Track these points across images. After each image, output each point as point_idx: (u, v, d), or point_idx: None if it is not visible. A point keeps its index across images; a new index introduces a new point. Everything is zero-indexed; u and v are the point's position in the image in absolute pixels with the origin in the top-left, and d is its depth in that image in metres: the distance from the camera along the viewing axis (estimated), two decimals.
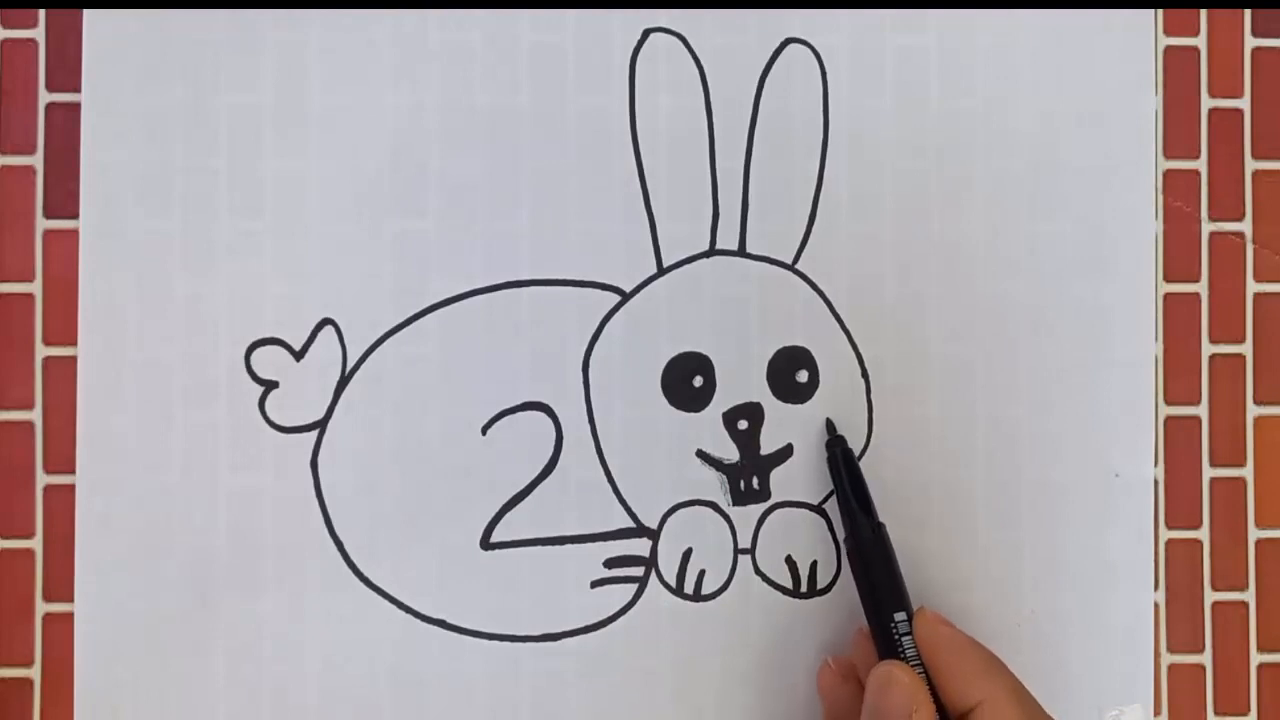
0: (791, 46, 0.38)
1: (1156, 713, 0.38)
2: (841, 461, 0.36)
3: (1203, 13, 0.40)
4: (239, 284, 0.37)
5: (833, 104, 0.38)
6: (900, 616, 0.34)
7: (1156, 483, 0.39)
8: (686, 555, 0.37)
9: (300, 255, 0.37)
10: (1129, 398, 0.39)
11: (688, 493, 0.38)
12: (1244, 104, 0.40)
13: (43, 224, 0.38)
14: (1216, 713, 0.39)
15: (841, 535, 0.37)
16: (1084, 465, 0.38)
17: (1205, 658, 0.39)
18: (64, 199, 0.37)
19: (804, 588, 0.38)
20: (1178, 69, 0.40)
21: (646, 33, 0.38)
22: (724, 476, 0.38)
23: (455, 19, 0.38)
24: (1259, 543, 0.39)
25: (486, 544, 0.37)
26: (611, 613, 0.37)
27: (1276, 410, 0.40)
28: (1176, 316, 0.39)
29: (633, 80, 0.38)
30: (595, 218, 0.38)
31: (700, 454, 0.38)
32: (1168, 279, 0.39)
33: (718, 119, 0.38)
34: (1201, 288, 0.40)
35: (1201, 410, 0.39)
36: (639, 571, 0.37)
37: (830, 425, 0.38)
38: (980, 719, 0.31)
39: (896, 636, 0.34)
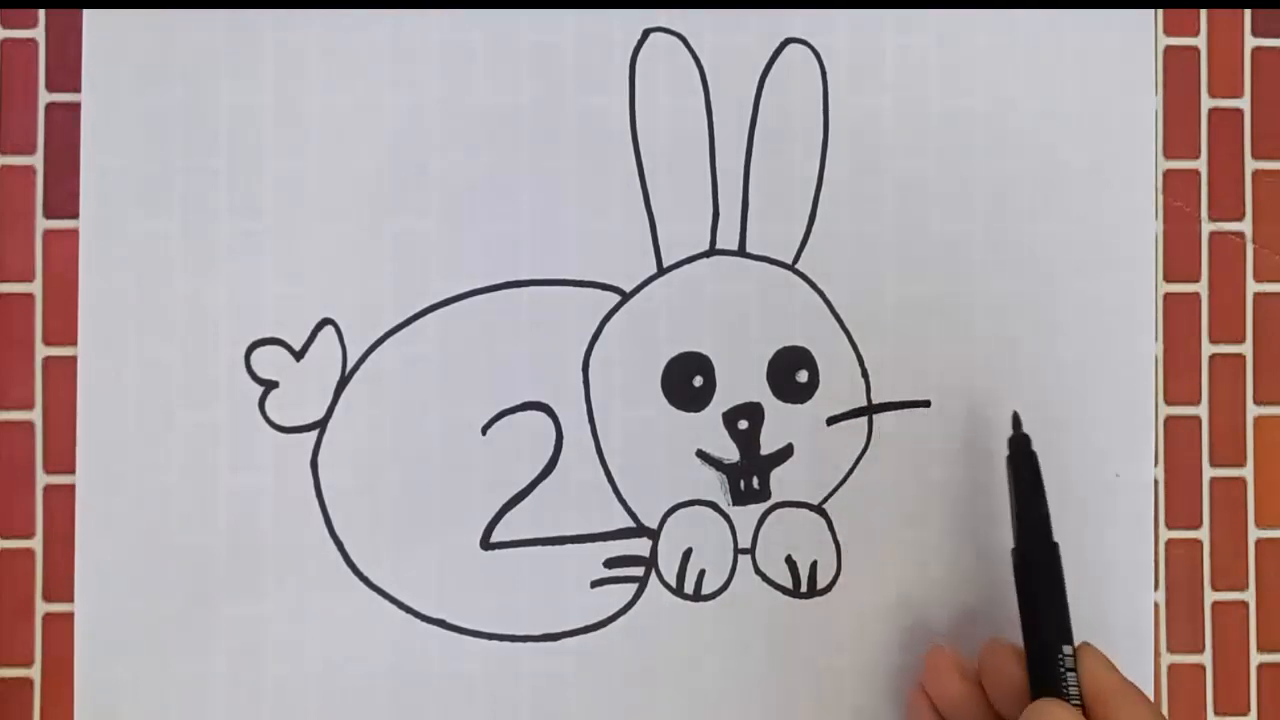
0: (791, 46, 0.38)
1: None
2: (1029, 465, 0.34)
3: (1203, 13, 0.40)
4: (239, 284, 0.37)
5: (833, 104, 0.38)
6: (1068, 650, 0.32)
7: (1156, 483, 0.39)
8: (686, 555, 0.37)
9: (300, 255, 0.37)
10: (1129, 398, 0.39)
11: (688, 493, 0.38)
12: (1244, 104, 0.40)
13: (43, 224, 0.38)
14: (1216, 713, 0.39)
15: (842, 537, 0.38)
16: (1084, 465, 0.38)
17: (1205, 658, 0.39)
18: (64, 199, 0.37)
19: (804, 588, 0.38)
20: (1178, 69, 0.40)
21: (646, 33, 0.38)
22: (724, 476, 0.38)
23: (455, 19, 0.38)
24: (1259, 543, 0.39)
25: (486, 544, 0.37)
26: (611, 613, 0.37)
27: (1276, 410, 0.40)
28: (1176, 316, 0.39)
29: (633, 80, 0.38)
30: (595, 218, 0.38)
31: (700, 454, 0.38)
32: (1168, 279, 0.39)
33: (718, 119, 0.38)
34: (1201, 288, 0.40)
35: (1201, 410, 0.39)
36: (639, 571, 0.37)
37: (1016, 420, 0.36)
38: None
39: (1062, 671, 0.32)
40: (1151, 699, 0.31)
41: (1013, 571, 0.34)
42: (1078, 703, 0.31)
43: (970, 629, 0.37)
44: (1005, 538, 0.38)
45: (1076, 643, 0.33)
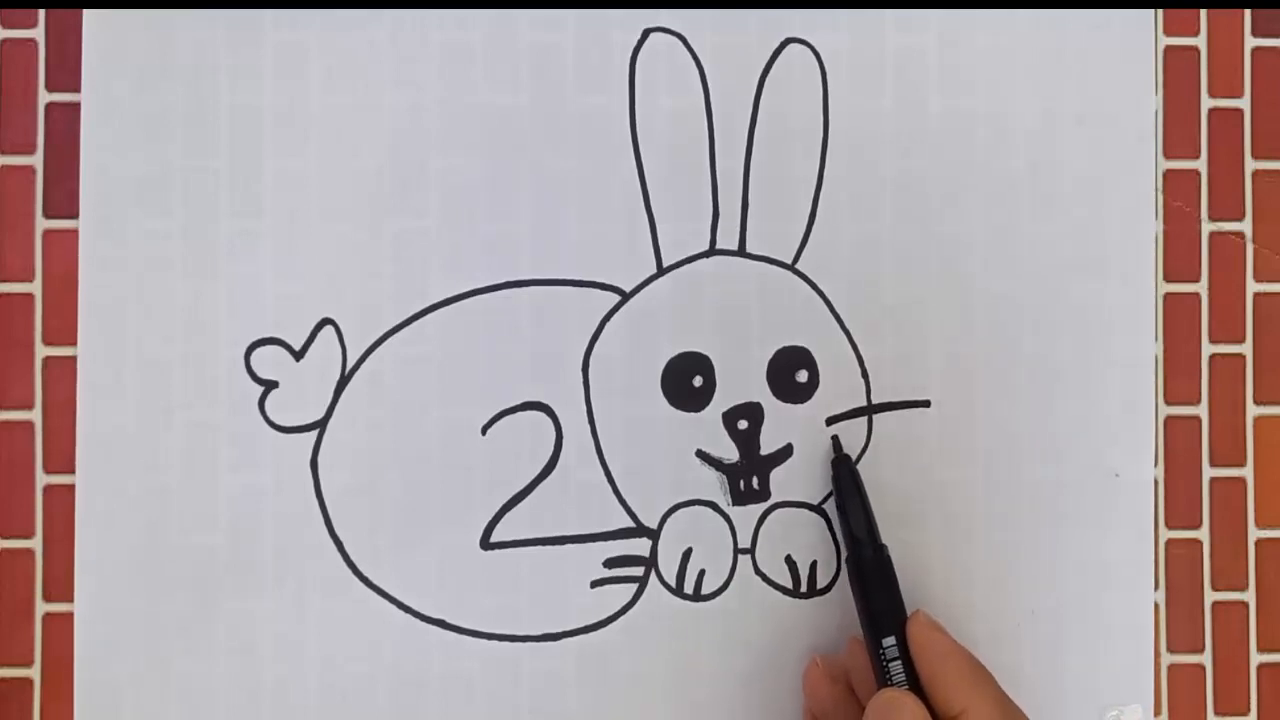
0: (791, 46, 0.38)
1: (1156, 713, 0.38)
2: (848, 481, 0.36)
3: (1203, 13, 0.40)
4: (239, 284, 0.37)
5: (833, 104, 0.38)
6: (889, 642, 0.34)
7: (1156, 483, 0.39)
8: (686, 555, 0.37)
9: (300, 255, 0.37)
10: (1129, 398, 0.39)
11: (688, 493, 0.38)
12: (1244, 104, 0.40)
13: (43, 224, 0.38)
14: (1216, 713, 0.39)
15: (843, 544, 0.38)
16: (1084, 465, 0.38)
17: (1205, 658, 0.39)
18: (64, 199, 0.37)
19: (804, 588, 0.38)
20: (1178, 69, 0.40)
21: (646, 33, 0.38)
22: (724, 476, 0.38)
23: (455, 19, 0.38)
24: (1259, 543, 0.39)
25: (486, 544, 0.37)
26: (611, 613, 0.37)
27: (1276, 410, 0.40)
28: (1176, 316, 0.39)
29: (633, 80, 0.38)
30: (595, 218, 0.38)
31: (700, 454, 0.38)
32: (1168, 279, 0.39)
33: (718, 119, 0.38)
34: (1201, 288, 0.40)
35: (1201, 410, 0.39)
36: (639, 571, 0.37)
37: (836, 443, 0.37)
38: None
39: (884, 662, 0.34)
40: (987, 676, 0.33)
41: (848, 576, 0.36)
42: (902, 683, 0.33)
43: (970, 627, 0.37)
44: (1005, 537, 0.38)
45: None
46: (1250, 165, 0.40)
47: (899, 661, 0.34)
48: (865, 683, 0.35)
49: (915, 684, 0.33)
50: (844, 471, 0.37)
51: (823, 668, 0.36)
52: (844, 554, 0.37)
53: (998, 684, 0.33)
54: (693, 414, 0.38)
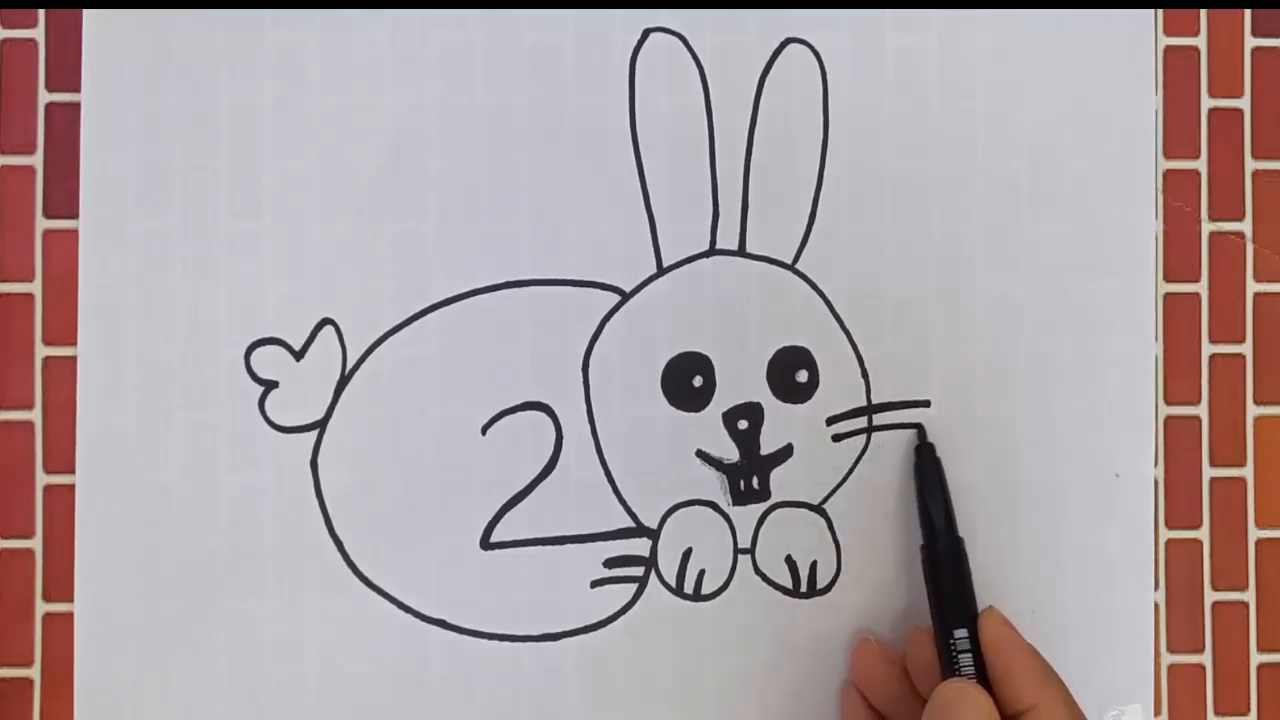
0: (791, 46, 0.38)
1: (1156, 713, 0.38)
2: (930, 470, 0.36)
3: (1203, 13, 0.40)
4: (239, 284, 0.37)
5: (833, 104, 0.38)
6: (961, 633, 0.34)
7: (1156, 483, 0.39)
8: (686, 555, 0.37)
9: (300, 255, 0.37)
10: (1129, 398, 0.39)
11: (688, 493, 0.38)
12: (1244, 104, 0.40)
13: (43, 224, 0.38)
14: (1216, 713, 0.39)
15: (842, 537, 0.38)
16: (1084, 465, 0.38)
17: (1205, 658, 0.39)
18: (64, 199, 0.37)
19: (804, 588, 0.38)
20: (1178, 69, 0.40)
21: (646, 33, 0.38)
22: (724, 476, 0.38)
23: (455, 19, 0.38)
24: (1259, 543, 0.39)
25: (486, 544, 0.37)
26: (611, 613, 0.37)
27: (1276, 410, 0.40)
28: (1176, 316, 0.39)
29: (633, 80, 0.38)
30: (595, 218, 0.38)
31: (700, 454, 0.38)
32: (1168, 279, 0.39)
33: (718, 119, 0.38)
34: (1201, 288, 0.40)
35: (1201, 410, 0.39)
36: (639, 571, 0.37)
37: (922, 431, 0.37)
38: None
39: (955, 654, 0.34)
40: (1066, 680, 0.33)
41: (921, 565, 0.36)
42: (971, 676, 0.33)
43: None
44: (1005, 537, 0.38)
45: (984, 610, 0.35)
46: (1250, 165, 0.40)
47: (969, 654, 0.34)
48: (925, 672, 0.35)
49: (982, 678, 0.33)
50: (926, 460, 0.37)
51: (877, 649, 0.36)
52: (920, 542, 0.36)
53: (1064, 683, 0.33)
54: (693, 414, 0.38)
